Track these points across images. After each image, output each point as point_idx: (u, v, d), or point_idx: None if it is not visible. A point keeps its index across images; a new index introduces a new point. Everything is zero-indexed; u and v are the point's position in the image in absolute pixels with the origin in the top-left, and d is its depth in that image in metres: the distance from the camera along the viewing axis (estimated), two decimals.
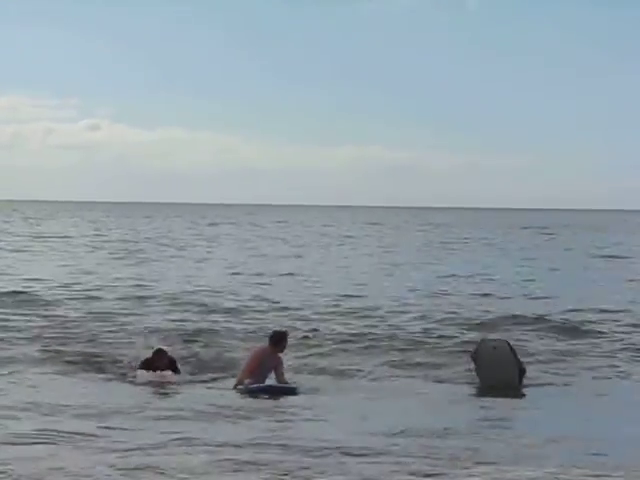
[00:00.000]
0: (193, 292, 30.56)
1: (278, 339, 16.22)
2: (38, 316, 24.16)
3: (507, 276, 39.12)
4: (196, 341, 21.04)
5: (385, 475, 10.92)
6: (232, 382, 16.43)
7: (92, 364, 18.60)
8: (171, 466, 11.01)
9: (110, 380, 17.33)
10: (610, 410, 15.36)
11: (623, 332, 22.81)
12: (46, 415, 13.86)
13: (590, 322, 24.11)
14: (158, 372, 16.91)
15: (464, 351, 19.02)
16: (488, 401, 15.74)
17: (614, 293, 32.43)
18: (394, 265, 44.29)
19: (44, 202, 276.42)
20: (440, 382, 17.26)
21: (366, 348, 20.19)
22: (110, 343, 20.73)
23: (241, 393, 15.64)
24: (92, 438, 12.36)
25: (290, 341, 16.92)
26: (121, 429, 13.02)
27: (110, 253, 50.69)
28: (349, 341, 20.83)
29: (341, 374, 17.85)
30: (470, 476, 10.88)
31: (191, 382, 16.94)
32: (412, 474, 10.96)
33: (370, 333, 21.81)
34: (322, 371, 18.02)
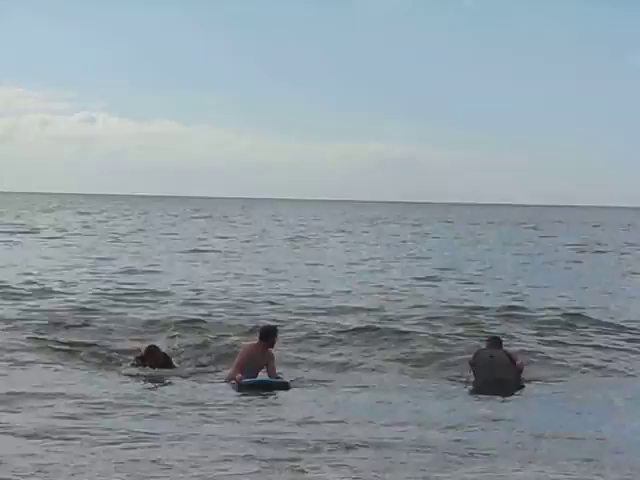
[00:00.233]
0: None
1: (267, 334, 16.19)
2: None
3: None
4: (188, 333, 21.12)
5: (377, 469, 10.93)
6: (225, 376, 16.47)
7: (92, 355, 18.67)
8: (165, 459, 11.05)
9: (103, 372, 17.35)
10: (602, 406, 15.40)
11: (612, 329, 22.85)
12: (37, 407, 13.89)
13: (580, 317, 24.10)
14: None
15: (460, 347, 19.12)
16: (483, 397, 15.75)
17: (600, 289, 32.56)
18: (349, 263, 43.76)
19: (40, 194, 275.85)
20: (434, 378, 17.24)
21: (358, 343, 20.14)
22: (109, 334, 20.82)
23: (234, 388, 15.61)
24: (84, 432, 12.36)
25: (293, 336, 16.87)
26: (114, 422, 13.04)
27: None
28: (341, 337, 20.74)
29: (335, 368, 17.84)
30: (465, 472, 10.90)
31: (185, 377, 16.89)
32: (405, 469, 10.98)
33: (359, 328, 21.74)
34: (316, 365, 18.00)
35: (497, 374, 16.20)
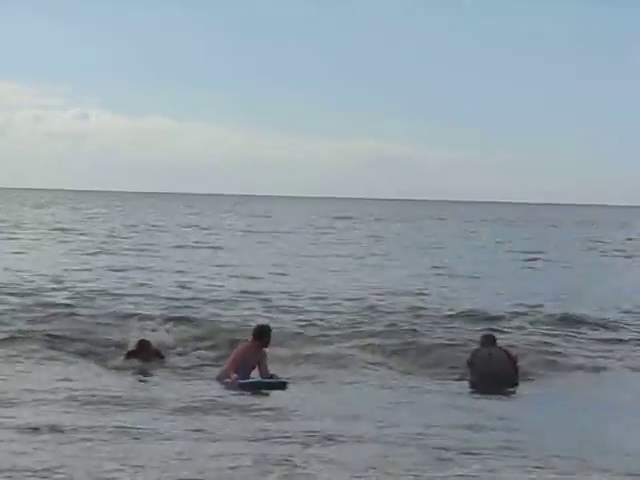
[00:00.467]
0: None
1: (261, 334, 16.09)
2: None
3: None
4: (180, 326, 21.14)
5: (370, 465, 10.90)
6: (216, 371, 16.46)
7: (80, 350, 18.63)
8: (159, 454, 11.06)
9: (93, 367, 17.34)
10: (598, 404, 15.40)
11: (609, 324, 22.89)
12: (31, 404, 13.83)
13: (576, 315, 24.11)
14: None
15: (455, 344, 19.11)
16: (479, 394, 15.78)
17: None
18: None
19: (32, 190, 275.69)
20: (430, 375, 17.24)
21: (353, 340, 20.11)
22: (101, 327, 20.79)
23: (228, 387, 15.50)
24: (77, 428, 12.33)
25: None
26: (106, 418, 13.00)
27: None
28: (337, 334, 20.72)
29: (329, 364, 17.80)
30: (459, 470, 10.88)
31: (177, 372, 16.90)
32: (398, 465, 10.95)
33: (345, 324, 21.74)
34: (310, 361, 17.96)
35: (495, 370, 16.23)
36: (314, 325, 21.92)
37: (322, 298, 26.84)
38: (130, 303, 24.72)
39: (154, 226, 71.95)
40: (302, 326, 21.72)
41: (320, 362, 17.94)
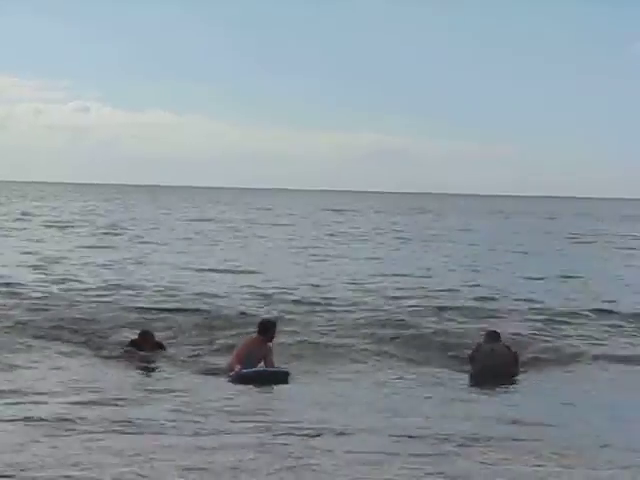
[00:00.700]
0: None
1: (265, 328, 16.06)
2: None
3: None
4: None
5: (371, 457, 10.95)
6: (219, 364, 16.50)
7: (81, 343, 18.66)
8: (161, 446, 11.09)
9: (93, 359, 17.39)
10: (599, 397, 15.46)
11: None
12: (28, 396, 13.88)
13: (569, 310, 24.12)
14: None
15: (457, 336, 19.13)
16: (480, 388, 15.80)
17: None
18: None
19: (32, 183, 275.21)
20: (432, 368, 17.25)
21: (354, 332, 20.13)
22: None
23: (232, 379, 15.49)
24: (79, 420, 12.37)
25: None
26: (108, 411, 13.03)
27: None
28: (335, 328, 20.69)
29: (332, 357, 17.81)
30: (460, 462, 10.93)
31: (178, 365, 16.88)
32: (399, 457, 11.00)
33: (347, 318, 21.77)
34: (315, 354, 17.98)
35: (496, 364, 16.31)
36: (317, 316, 21.95)
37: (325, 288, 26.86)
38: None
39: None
40: (305, 315, 21.78)
41: (324, 354, 17.99)
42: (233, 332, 19.50)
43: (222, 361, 16.67)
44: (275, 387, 15.21)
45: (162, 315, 21.62)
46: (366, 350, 18.38)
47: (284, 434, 11.84)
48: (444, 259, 40.78)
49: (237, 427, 12.26)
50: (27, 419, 12.30)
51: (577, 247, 52.21)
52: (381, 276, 31.99)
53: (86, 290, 25.78)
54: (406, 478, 10.23)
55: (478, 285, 29.59)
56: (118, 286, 26.71)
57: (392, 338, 19.44)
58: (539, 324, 21.90)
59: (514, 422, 13.25)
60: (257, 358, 15.78)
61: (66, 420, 12.28)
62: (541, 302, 25.51)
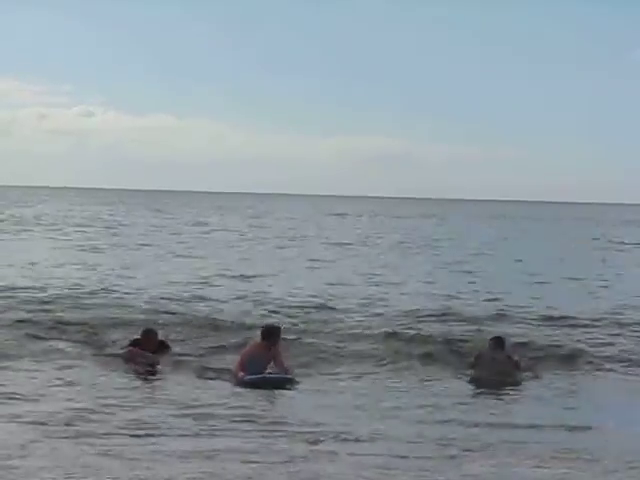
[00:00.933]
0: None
1: (269, 334, 16.02)
2: None
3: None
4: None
5: (376, 462, 11.00)
6: (224, 365, 16.56)
7: (84, 342, 18.71)
8: (159, 452, 11.14)
9: (99, 357, 17.45)
10: (601, 401, 15.51)
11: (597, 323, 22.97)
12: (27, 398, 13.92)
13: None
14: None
15: (456, 345, 19.17)
16: (482, 393, 15.83)
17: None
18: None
19: (36, 188, 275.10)
20: (433, 373, 17.24)
21: (357, 337, 20.14)
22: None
23: (236, 385, 15.44)
24: (78, 422, 12.46)
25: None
26: (108, 412, 13.10)
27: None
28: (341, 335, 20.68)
29: (337, 362, 17.81)
30: (464, 467, 10.98)
31: (182, 366, 16.87)
32: (404, 463, 11.04)
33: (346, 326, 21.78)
34: (318, 359, 17.99)
35: (497, 373, 16.36)
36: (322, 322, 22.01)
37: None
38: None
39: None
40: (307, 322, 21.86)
41: (326, 358, 17.97)
42: (238, 334, 19.52)
43: (226, 363, 16.71)
44: (278, 391, 15.17)
45: (165, 317, 21.66)
46: (370, 355, 18.33)
47: (288, 439, 11.87)
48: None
49: (240, 431, 12.28)
50: (26, 421, 12.33)
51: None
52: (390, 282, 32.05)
53: (89, 292, 25.83)
54: None
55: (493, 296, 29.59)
56: (120, 287, 26.86)
57: (396, 343, 19.43)
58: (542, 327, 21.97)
59: (517, 426, 13.29)
60: (263, 363, 15.72)
61: (66, 423, 12.31)
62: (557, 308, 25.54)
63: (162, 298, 25.28)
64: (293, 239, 57.44)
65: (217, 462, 10.75)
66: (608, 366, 18.19)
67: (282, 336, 16.54)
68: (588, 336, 21.30)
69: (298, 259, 41.71)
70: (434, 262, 41.63)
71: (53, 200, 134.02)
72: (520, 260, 44.19)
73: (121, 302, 24.16)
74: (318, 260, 40.86)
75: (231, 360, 16.81)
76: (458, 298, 27.63)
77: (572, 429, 13.24)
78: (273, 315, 22.63)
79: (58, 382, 15.18)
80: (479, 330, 21.06)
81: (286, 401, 14.60)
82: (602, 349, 19.75)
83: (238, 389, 15.24)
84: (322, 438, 11.92)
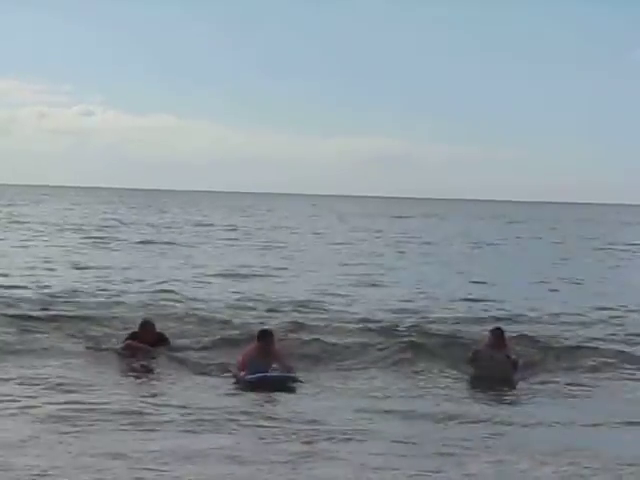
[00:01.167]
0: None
1: (262, 335, 15.86)
2: None
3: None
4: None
5: (373, 461, 10.91)
6: (222, 361, 16.56)
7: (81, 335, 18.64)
8: (155, 450, 11.03)
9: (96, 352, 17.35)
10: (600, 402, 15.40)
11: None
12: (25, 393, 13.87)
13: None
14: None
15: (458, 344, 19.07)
16: (480, 392, 15.71)
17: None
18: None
19: (36, 187, 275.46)
20: (429, 371, 17.15)
21: (355, 336, 20.02)
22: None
23: (237, 385, 15.26)
24: (79, 416, 12.41)
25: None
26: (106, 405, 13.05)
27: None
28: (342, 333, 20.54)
29: (335, 362, 17.64)
30: (463, 467, 10.89)
31: (182, 362, 16.74)
32: (403, 462, 10.96)
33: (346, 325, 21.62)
34: (317, 358, 17.86)
35: (495, 372, 16.25)
36: (322, 319, 21.88)
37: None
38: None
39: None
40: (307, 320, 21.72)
41: (326, 358, 17.86)
42: (236, 330, 19.54)
43: (225, 359, 16.68)
44: (277, 392, 15.08)
45: (162, 312, 21.63)
46: (367, 354, 18.22)
47: (287, 439, 11.76)
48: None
49: (238, 430, 12.18)
50: (23, 419, 12.27)
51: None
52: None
53: (84, 290, 25.77)
54: None
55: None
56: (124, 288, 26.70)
57: (394, 342, 19.29)
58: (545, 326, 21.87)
59: (516, 424, 13.22)
60: (264, 363, 15.48)
61: (64, 420, 12.23)
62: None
63: (160, 291, 25.24)
64: (290, 238, 57.28)
65: (210, 462, 10.67)
66: (610, 362, 18.06)
67: (280, 336, 16.36)
68: (588, 335, 21.19)
69: (298, 258, 41.59)
70: (429, 262, 41.44)
71: (51, 199, 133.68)
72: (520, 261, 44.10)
73: (118, 299, 24.07)
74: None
75: (229, 356, 16.77)
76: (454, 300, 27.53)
77: (570, 428, 13.19)
78: (268, 313, 22.55)
79: (55, 379, 15.03)
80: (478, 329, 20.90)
81: (284, 400, 14.47)
82: (602, 347, 19.61)
83: (237, 387, 15.11)
84: (320, 437, 11.82)
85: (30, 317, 20.36)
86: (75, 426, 11.97)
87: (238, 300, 25.20)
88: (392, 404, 14.39)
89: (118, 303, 23.19)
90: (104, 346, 17.67)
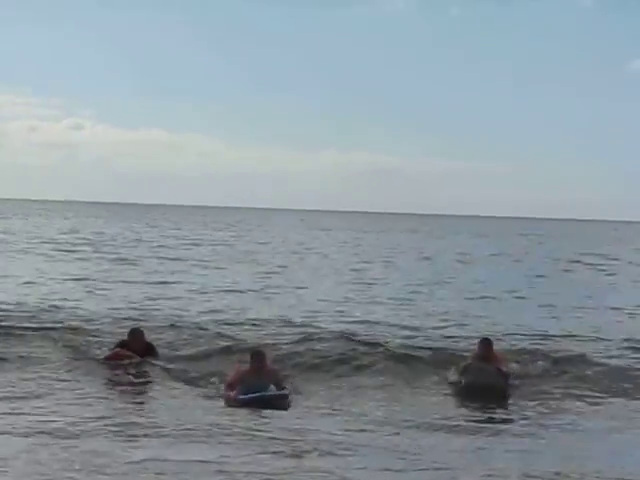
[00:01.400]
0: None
1: (254, 357, 15.61)
2: None
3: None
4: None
5: (363, 475, 10.76)
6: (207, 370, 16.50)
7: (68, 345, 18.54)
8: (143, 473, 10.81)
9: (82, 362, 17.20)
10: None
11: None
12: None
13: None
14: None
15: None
16: (470, 402, 15.59)
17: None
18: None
19: (26, 200, 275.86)
20: (422, 386, 16.99)
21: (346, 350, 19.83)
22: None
23: (227, 404, 14.88)
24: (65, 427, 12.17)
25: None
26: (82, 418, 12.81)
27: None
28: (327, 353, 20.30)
29: (323, 374, 17.54)
30: (454, 477, 10.75)
31: (167, 373, 16.60)
32: (394, 470, 10.89)
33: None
34: (307, 372, 17.69)
35: (484, 384, 16.11)
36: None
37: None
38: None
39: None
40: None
41: (317, 370, 17.74)
42: (222, 342, 19.47)
43: (212, 370, 16.64)
44: (268, 407, 14.77)
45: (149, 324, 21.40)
46: (357, 366, 18.12)
47: (277, 454, 11.53)
48: None
49: (224, 443, 11.95)
50: (6, 433, 12.07)
51: None
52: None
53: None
54: None
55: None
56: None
57: (388, 355, 19.14)
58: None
59: (508, 436, 13.15)
60: (257, 385, 15.05)
61: (49, 433, 12.04)
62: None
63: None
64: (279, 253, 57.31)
65: (198, 475, 10.50)
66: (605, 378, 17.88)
67: (271, 352, 16.42)
68: (580, 349, 21.04)
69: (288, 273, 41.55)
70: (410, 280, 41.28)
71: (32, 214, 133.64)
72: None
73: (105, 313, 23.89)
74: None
75: (218, 367, 16.76)
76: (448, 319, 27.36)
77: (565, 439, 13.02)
78: (255, 328, 22.36)
79: (40, 391, 14.90)
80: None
81: (271, 414, 14.24)
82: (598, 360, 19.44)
83: (226, 408, 14.68)
84: (309, 451, 11.62)
85: (12, 327, 20.24)
86: (56, 437, 11.79)
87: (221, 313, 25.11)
88: (383, 415, 14.24)
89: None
90: (93, 355, 17.49)
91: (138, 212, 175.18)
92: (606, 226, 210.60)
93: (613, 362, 19.18)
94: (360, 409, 14.75)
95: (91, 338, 19.34)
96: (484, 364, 16.51)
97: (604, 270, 49.46)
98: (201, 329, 21.46)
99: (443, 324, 24.33)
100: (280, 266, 44.49)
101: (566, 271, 49.26)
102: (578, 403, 15.91)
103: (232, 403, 14.85)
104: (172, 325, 21.60)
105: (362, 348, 19.52)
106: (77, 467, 10.57)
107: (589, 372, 18.07)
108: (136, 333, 17.12)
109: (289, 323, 23.39)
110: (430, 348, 19.80)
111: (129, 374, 16.25)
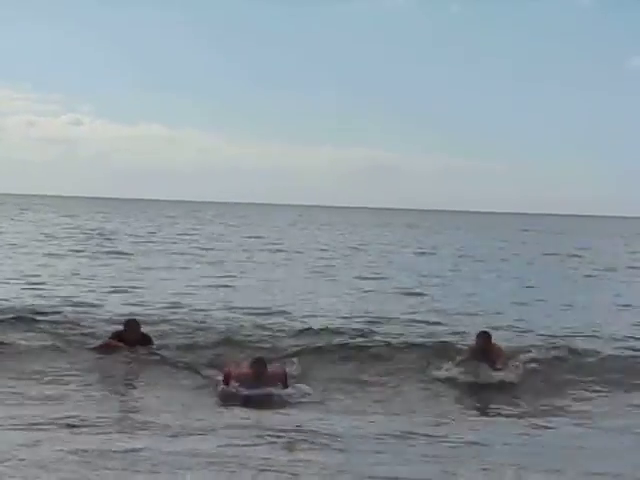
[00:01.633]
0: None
1: (254, 365, 15.47)
2: None
3: None
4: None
5: (353, 465, 10.72)
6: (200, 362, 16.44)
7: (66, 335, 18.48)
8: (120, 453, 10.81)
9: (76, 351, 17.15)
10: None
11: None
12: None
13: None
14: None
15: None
16: (464, 395, 15.60)
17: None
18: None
19: (24, 196, 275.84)
20: (421, 379, 16.84)
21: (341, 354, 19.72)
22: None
23: (226, 396, 14.69)
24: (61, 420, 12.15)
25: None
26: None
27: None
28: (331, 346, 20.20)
29: (322, 370, 17.38)
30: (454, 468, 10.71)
31: (160, 364, 16.48)
32: (393, 464, 10.82)
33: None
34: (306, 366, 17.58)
35: (479, 380, 16.13)
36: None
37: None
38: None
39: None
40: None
41: (314, 363, 17.48)
42: (217, 335, 19.38)
43: (205, 361, 16.61)
44: (258, 400, 14.71)
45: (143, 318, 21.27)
46: (353, 360, 17.95)
47: (266, 446, 11.44)
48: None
49: (220, 437, 11.83)
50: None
51: None
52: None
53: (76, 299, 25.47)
54: None
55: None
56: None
57: (379, 349, 19.00)
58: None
59: (519, 434, 13.02)
60: (256, 387, 14.99)
61: (44, 429, 11.91)
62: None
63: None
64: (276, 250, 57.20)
65: (192, 466, 10.40)
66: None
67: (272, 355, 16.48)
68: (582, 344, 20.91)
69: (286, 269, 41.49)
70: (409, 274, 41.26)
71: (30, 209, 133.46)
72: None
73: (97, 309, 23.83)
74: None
75: (213, 360, 16.70)
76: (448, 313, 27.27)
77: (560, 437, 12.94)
78: (253, 320, 22.23)
79: (36, 384, 14.83)
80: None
81: (268, 407, 14.16)
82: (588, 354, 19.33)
83: (221, 401, 14.56)
84: (303, 443, 11.57)
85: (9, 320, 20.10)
86: (54, 430, 11.75)
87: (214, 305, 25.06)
88: (378, 410, 14.19)
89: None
90: (87, 346, 17.37)
91: (141, 207, 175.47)
92: (605, 222, 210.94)
93: (614, 355, 19.08)
94: (356, 403, 14.71)
95: (87, 330, 19.26)
96: (480, 358, 16.45)
97: (602, 265, 49.53)
98: (199, 322, 21.41)
99: (444, 320, 24.23)
100: (282, 259, 44.51)
101: (563, 263, 49.39)
102: (578, 399, 15.83)
103: (228, 396, 14.72)
104: (172, 310, 21.55)
105: (359, 341, 19.49)
106: (75, 459, 10.51)
107: (590, 367, 18.01)
108: (132, 323, 17.02)
109: (289, 315, 23.32)
110: (429, 342, 19.69)
111: (124, 365, 16.19)
